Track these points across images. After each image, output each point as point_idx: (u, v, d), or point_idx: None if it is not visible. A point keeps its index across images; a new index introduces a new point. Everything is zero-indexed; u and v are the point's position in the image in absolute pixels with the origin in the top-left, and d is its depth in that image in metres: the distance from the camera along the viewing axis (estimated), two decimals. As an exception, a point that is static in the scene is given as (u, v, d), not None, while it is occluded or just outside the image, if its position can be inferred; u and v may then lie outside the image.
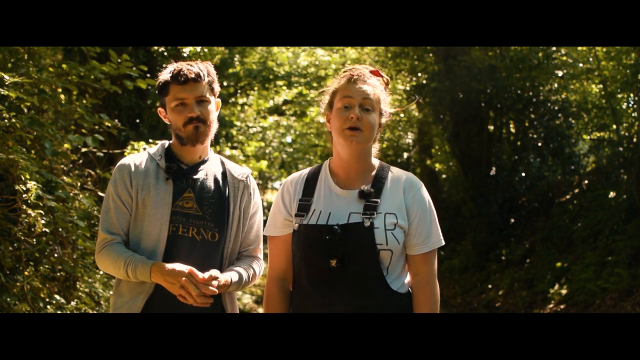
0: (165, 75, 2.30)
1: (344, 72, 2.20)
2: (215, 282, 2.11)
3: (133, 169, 2.28)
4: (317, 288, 2.07)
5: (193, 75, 2.24)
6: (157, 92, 2.35)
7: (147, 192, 2.24)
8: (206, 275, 2.11)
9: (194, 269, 2.11)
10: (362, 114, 2.08)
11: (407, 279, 2.18)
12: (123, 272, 2.17)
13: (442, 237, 2.15)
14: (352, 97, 2.09)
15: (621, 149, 9.53)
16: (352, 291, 2.04)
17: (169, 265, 2.13)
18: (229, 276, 2.22)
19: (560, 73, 10.82)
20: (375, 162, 2.22)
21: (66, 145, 4.56)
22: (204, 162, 2.36)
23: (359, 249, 2.03)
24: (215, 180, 2.34)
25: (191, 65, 2.27)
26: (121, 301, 2.24)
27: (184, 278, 2.08)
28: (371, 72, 2.18)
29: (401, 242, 2.08)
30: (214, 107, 2.34)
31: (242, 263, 2.35)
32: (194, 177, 2.31)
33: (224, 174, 2.38)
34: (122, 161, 2.33)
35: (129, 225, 2.27)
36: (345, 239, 2.02)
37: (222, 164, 2.41)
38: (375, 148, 2.25)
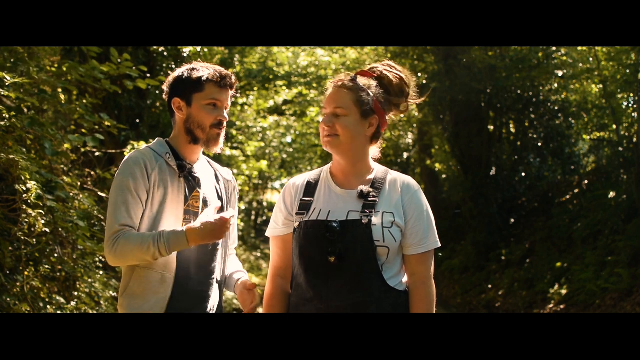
0: (204, 72, 2.28)
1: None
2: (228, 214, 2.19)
3: (148, 164, 2.23)
4: (314, 284, 2.11)
5: (234, 84, 2.33)
6: (189, 84, 2.30)
7: (164, 189, 2.21)
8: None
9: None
10: (333, 121, 2.15)
11: (406, 278, 2.20)
12: (153, 249, 2.09)
13: (438, 239, 2.20)
14: (325, 107, 2.19)
15: (621, 149, 9.53)
16: (349, 286, 2.07)
17: (199, 221, 2.17)
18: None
19: (560, 73, 10.82)
20: (375, 165, 2.27)
21: (66, 145, 4.56)
22: (199, 162, 2.40)
23: (356, 245, 2.07)
24: (211, 180, 2.39)
25: (230, 74, 2.34)
26: (138, 303, 2.19)
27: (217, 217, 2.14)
28: (357, 73, 2.22)
29: (398, 240, 2.12)
30: None
31: (237, 266, 2.48)
32: (197, 176, 2.32)
33: (215, 174, 2.43)
34: (135, 156, 2.24)
35: (141, 220, 2.24)
36: (343, 236, 2.07)
37: (210, 164, 2.46)
38: (375, 149, 2.28)
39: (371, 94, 2.18)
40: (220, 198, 2.35)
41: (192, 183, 2.29)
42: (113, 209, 2.17)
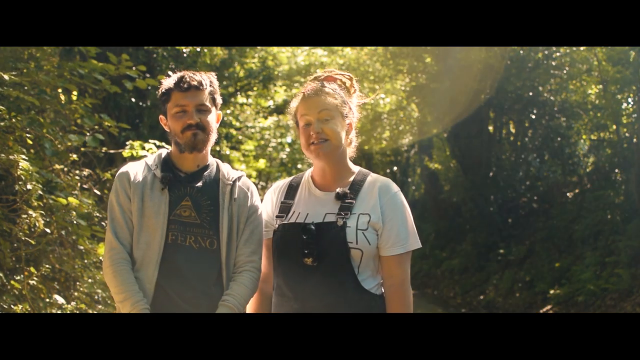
0: (168, 82, 2.31)
1: (301, 90, 2.27)
2: None
3: (132, 178, 2.27)
4: (292, 284, 2.15)
5: (195, 83, 2.25)
6: (160, 99, 2.35)
7: (144, 202, 2.24)
8: None
9: None
10: (321, 126, 2.16)
11: (382, 282, 2.21)
12: (120, 305, 2.20)
13: (418, 241, 2.19)
14: (308, 114, 2.18)
15: (621, 149, 9.52)
16: (324, 287, 2.10)
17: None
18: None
19: (560, 73, 10.81)
20: (355, 168, 2.29)
21: (68, 143, 4.56)
22: (203, 169, 2.35)
23: (331, 247, 2.10)
24: (213, 186, 2.33)
25: (194, 74, 2.29)
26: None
27: None
28: (325, 78, 2.26)
29: (372, 243, 2.12)
30: (214, 118, 2.34)
31: (233, 284, 2.26)
32: (192, 185, 2.30)
33: (217, 179, 2.36)
34: (121, 170, 2.33)
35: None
36: (320, 238, 2.10)
37: (218, 168, 2.39)
38: (351, 150, 2.31)
39: (343, 96, 2.24)
40: (218, 204, 2.30)
41: (182, 192, 2.27)
42: (109, 221, 2.30)
